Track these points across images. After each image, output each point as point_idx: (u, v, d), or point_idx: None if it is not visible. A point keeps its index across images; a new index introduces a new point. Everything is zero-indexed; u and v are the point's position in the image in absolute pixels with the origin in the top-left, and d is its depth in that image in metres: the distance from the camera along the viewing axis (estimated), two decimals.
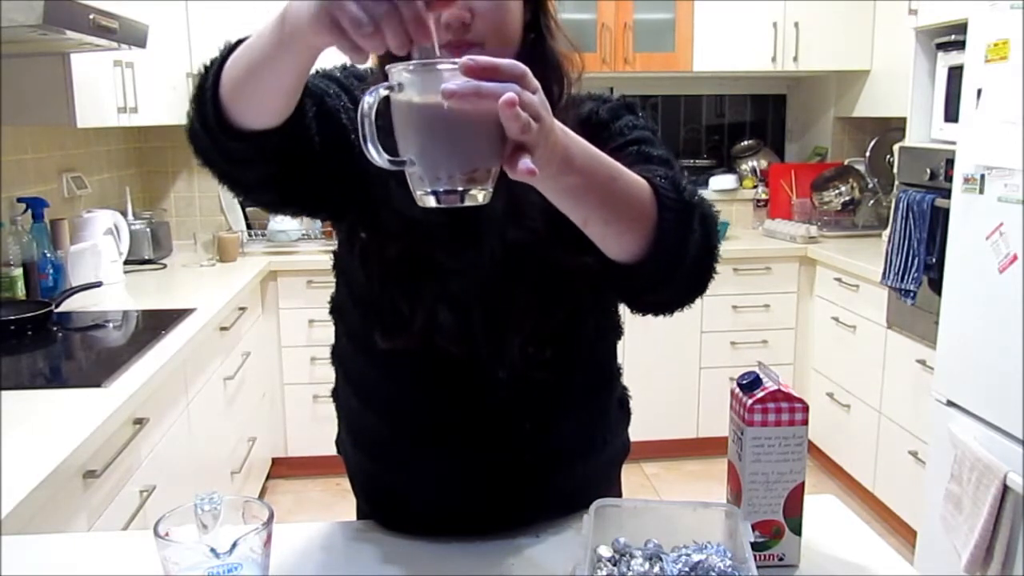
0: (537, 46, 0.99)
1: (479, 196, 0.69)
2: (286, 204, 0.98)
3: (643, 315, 0.97)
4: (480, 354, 1.03)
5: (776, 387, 0.96)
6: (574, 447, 1.13)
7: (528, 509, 1.08)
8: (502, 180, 0.71)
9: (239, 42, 0.82)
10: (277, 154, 0.86)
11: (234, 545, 0.79)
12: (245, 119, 0.82)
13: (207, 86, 0.82)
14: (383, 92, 0.66)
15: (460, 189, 0.68)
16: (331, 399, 1.21)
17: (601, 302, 1.11)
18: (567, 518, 1.09)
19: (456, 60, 0.64)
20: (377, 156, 0.67)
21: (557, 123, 0.71)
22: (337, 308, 1.14)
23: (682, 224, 0.85)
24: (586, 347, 1.11)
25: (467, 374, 1.04)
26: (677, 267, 0.87)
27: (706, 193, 4.05)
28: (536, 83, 0.68)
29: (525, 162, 0.65)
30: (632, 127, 1.02)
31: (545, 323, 1.03)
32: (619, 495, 1.25)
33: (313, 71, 0.91)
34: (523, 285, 1.01)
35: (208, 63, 0.84)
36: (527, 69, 0.67)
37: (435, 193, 0.69)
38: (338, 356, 1.17)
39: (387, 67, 0.67)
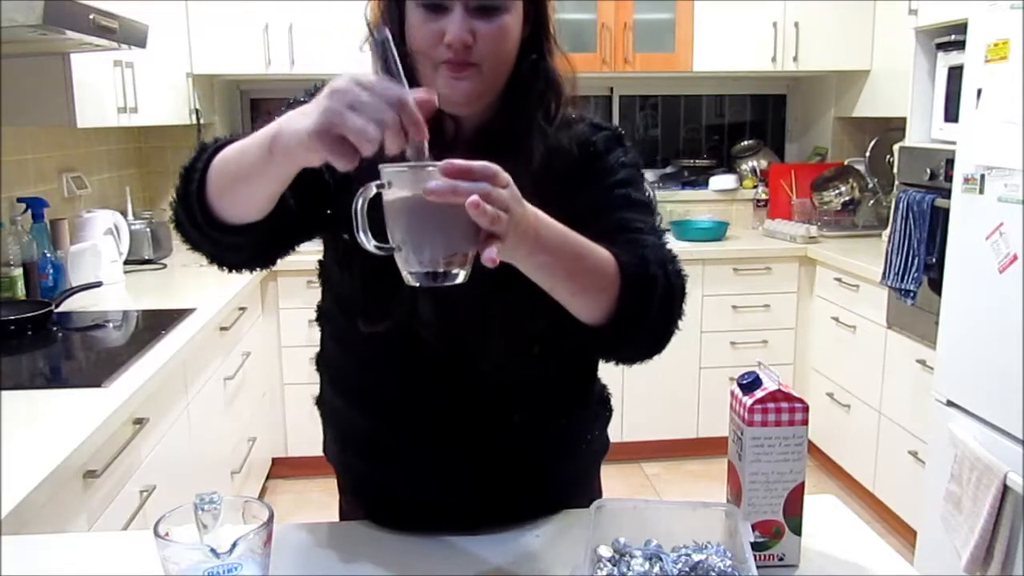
0: (538, 65, 1.03)
1: (458, 277, 0.79)
2: (276, 260, 1.05)
3: (606, 362, 1.06)
4: (464, 350, 1.04)
5: (776, 387, 0.96)
6: (560, 441, 1.14)
7: (514, 503, 1.09)
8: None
9: (218, 147, 0.90)
10: (262, 235, 0.94)
11: (234, 545, 0.79)
12: (232, 218, 0.91)
13: (192, 190, 0.90)
14: (374, 190, 0.77)
15: (441, 271, 0.78)
16: (316, 407, 1.22)
17: None
18: (567, 518, 1.09)
19: (437, 163, 0.74)
20: (368, 244, 0.78)
21: (530, 207, 0.81)
22: (323, 314, 1.17)
23: (643, 298, 0.94)
24: (572, 346, 1.12)
25: (451, 367, 1.05)
26: (635, 334, 0.97)
27: (706, 193, 4.06)
28: (507, 178, 0.77)
29: (489, 251, 0.75)
30: (622, 164, 1.07)
31: (532, 325, 1.04)
32: (600, 493, 1.27)
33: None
34: (510, 287, 1.01)
35: (190, 164, 0.92)
36: (498, 168, 0.76)
37: (418, 274, 0.79)
38: (323, 361, 1.19)
39: (379, 166, 0.77)
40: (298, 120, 0.77)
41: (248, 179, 0.86)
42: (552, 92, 1.04)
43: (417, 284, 0.79)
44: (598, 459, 1.26)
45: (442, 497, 1.10)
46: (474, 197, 0.72)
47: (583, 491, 1.21)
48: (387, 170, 0.77)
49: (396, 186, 0.76)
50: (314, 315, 1.18)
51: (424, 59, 0.96)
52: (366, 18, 1.03)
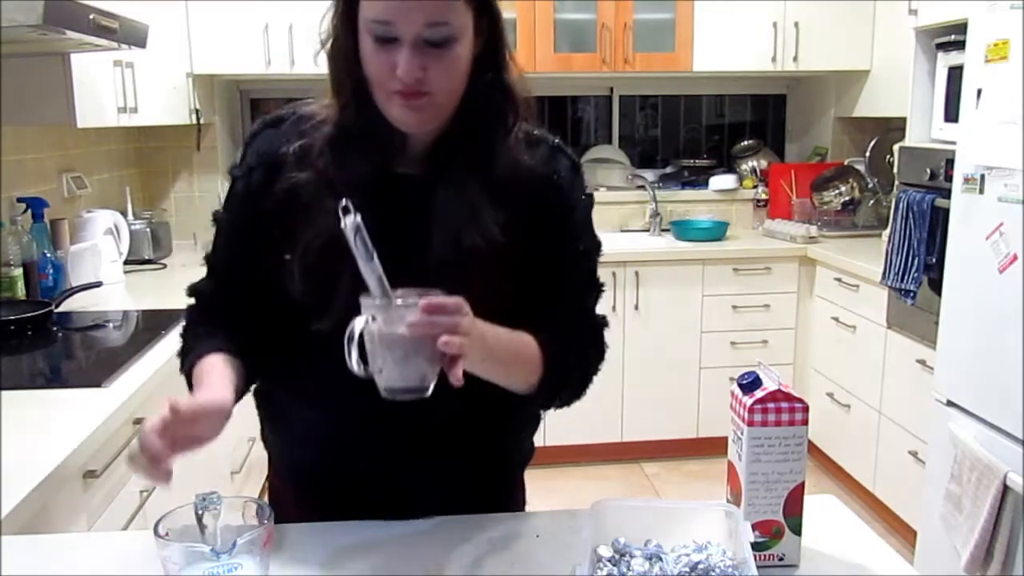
0: (494, 81, 1.05)
1: (428, 390, 0.93)
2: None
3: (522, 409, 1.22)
4: None
5: (776, 387, 0.96)
6: (493, 435, 1.18)
7: (439, 494, 1.13)
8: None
9: (195, 358, 1.14)
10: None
11: (234, 545, 0.79)
12: None
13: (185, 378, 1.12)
14: (362, 325, 0.91)
15: (413, 387, 0.92)
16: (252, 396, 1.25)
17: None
18: (567, 518, 1.10)
19: (411, 300, 0.89)
20: (359, 370, 0.92)
21: (479, 324, 0.95)
22: None
23: (560, 381, 1.11)
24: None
25: None
26: (551, 401, 1.15)
27: (706, 193, 4.06)
28: (467, 308, 0.92)
29: (455, 373, 0.89)
30: (579, 201, 1.15)
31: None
32: (524, 496, 1.31)
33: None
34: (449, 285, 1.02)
35: (181, 359, 1.19)
36: (463, 302, 0.91)
37: (394, 389, 0.92)
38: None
39: (361, 299, 0.91)
40: None
41: None
42: (510, 105, 1.07)
43: (393, 398, 0.92)
44: (522, 464, 1.29)
45: (377, 481, 1.13)
46: (444, 337, 0.87)
47: (505, 496, 1.26)
48: (368, 304, 0.90)
49: (379, 319, 0.90)
50: None
51: (378, 87, 1.00)
52: (320, 35, 1.04)
